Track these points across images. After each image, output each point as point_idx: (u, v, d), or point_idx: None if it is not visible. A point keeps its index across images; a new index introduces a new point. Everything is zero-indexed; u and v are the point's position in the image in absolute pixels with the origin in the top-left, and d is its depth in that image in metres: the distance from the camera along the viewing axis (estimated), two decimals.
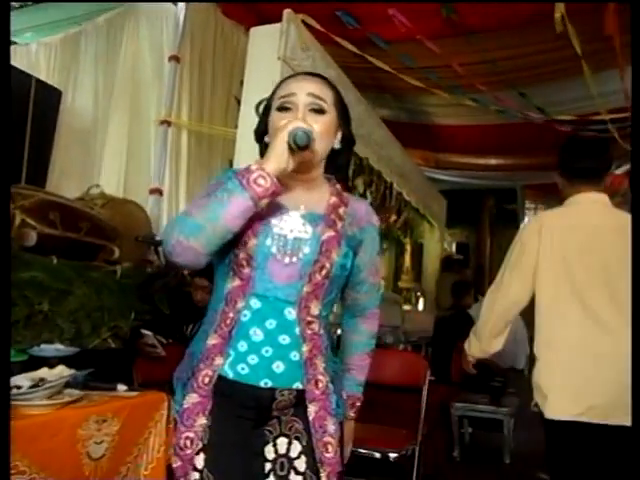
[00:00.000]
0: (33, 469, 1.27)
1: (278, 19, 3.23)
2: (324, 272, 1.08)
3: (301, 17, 3.37)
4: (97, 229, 2.28)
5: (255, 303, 1.06)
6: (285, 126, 1.00)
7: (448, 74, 3.92)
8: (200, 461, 1.04)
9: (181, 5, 3.40)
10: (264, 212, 1.06)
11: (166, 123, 3.29)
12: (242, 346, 1.05)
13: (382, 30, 3.65)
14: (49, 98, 3.59)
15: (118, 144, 3.56)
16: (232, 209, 0.97)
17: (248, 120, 3.26)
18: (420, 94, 4.69)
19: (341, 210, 1.15)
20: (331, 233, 1.10)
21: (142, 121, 3.52)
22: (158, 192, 3.18)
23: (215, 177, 1.18)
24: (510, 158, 6.39)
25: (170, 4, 3.48)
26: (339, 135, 1.16)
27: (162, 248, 1.04)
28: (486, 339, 1.79)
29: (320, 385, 1.08)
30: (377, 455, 2.19)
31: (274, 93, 1.15)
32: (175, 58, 3.33)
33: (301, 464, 1.07)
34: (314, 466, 1.06)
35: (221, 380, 1.05)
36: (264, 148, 1.15)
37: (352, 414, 1.25)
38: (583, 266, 1.62)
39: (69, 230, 2.10)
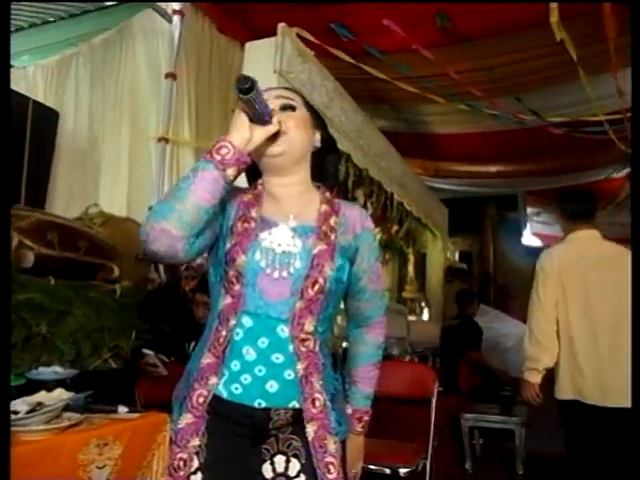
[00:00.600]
0: None
1: (273, 33, 3.24)
2: (317, 287, 1.05)
3: (296, 30, 3.38)
4: (96, 248, 2.25)
5: (247, 321, 1.05)
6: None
7: (445, 82, 3.92)
8: None
9: (176, 22, 3.41)
10: (253, 227, 1.07)
11: (164, 140, 3.28)
12: (235, 365, 1.04)
13: (377, 41, 3.66)
14: (46, 119, 3.59)
15: (118, 162, 3.56)
16: (199, 182, 0.97)
17: None
18: (417, 103, 4.69)
19: (332, 220, 1.12)
20: (323, 246, 1.08)
21: (142, 139, 3.52)
22: None
23: None
24: (510, 165, 6.38)
25: (164, 22, 3.49)
26: (317, 135, 1.17)
27: (142, 240, 1.01)
28: (552, 346, 2.21)
29: (317, 404, 1.05)
30: (387, 471, 2.14)
31: None
32: (172, 75, 3.33)
33: None
34: None
35: (216, 399, 1.05)
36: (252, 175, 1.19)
37: (360, 429, 1.21)
38: (586, 285, 2.21)
39: (67, 250, 2.08)
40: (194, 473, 1.03)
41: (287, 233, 1.08)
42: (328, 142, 1.20)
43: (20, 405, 1.33)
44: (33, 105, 3.44)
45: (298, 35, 3.40)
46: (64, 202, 3.78)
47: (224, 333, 1.05)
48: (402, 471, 2.12)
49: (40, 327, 1.66)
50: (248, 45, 3.44)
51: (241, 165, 1.00)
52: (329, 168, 1.22)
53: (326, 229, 1.10)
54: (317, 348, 1.07)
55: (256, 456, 1.06)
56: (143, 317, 2.15)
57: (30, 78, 4.27)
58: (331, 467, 1.03)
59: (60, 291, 1.80)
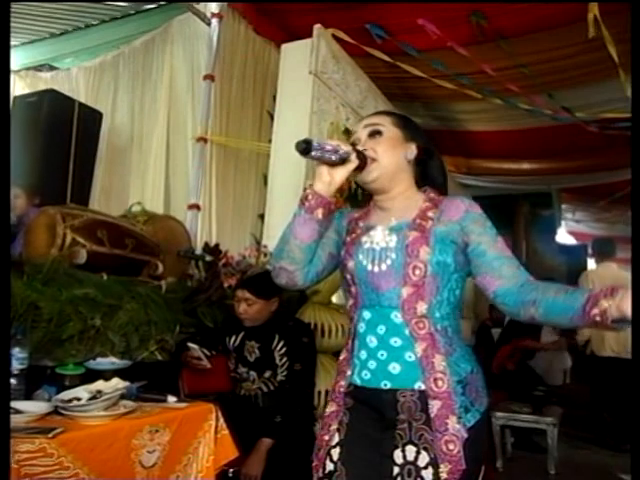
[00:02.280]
0: (92, 476, 1.33)
1: (308, 34, 3.30)
2: (418, 272, 1.13)
3: (331, 31, 3.43)
4: (141, 245, 2.36)
5: (366, 314, 1.18)
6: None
7: (481, 79, 3.91)
8: (336, 454, 1.16)
9: (214, 25, 3.50)
10: (355, 236, 1.23)
11: (202, 140, 3.37)
12: (363, 354, 1.17)
13: (412, 39, 3.67)
14: (91, 120, 3.73)
15: (158, 162, 3.67)
16: (296, 226, 1.17)
17: (282, 134, 3.33)
18: (449, 101, 4.68)
19: (430, 212, 1.19)
20: (416, 234, 1.16)
21: (180, 139, 3.63)
22: (196, 207, 3.26)
23: None
24: (543, 162, 6.28)
25: (203, 24, 3.58)
26: (413, 147, 1.25)
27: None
28: None
29: (440, 383, 1.09)
30: None
31: None
32: (210, 77, 3.42)
33: (428, 475, 1.05)
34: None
35: (353, 388, 1.19)
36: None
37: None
38: None
39: (116, 247, 2.19)
40: (334, 447, 1.17)
41: (384, 232, 1.20)
42: (427, 150, 1.27)
43: (82, 392, 1.43)
44: (79, 107, 3.58)
45: (333, 35, 3.45)
46: (104, 200, 3.93)
47: (352, 329, 1.21)
48: None
49: (95, 320, 1.77)
50: (284, 47, 3.51)
51: (326, 206, 1.16)
52: (433, 172, 1.29)
53: (421, 220, 1.18)
54: (434, 330, 1.13)
55: (389, 440, 1.11)
56: (186, 312, 2.26)
57: (73, 80, 4.44)
58: (450, 445, 1.05)
59: (112, 286, 1.91)
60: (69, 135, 3.47)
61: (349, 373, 1.19)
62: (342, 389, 1.20)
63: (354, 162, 1.15)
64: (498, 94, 4.07)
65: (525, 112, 4.34)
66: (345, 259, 1.22)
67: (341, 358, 1.23)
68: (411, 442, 1.09)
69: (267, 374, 2.15)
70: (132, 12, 4.09)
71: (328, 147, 1.12)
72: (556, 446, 3.36)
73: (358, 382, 1.17)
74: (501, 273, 1.14)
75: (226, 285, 2.52)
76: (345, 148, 1.14)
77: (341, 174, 1.15)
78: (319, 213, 1.15)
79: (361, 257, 1.19)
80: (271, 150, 3.36)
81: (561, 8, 3.17)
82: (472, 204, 1.20)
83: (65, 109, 3.50)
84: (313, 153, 1.09)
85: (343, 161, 1.14)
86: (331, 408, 1.21)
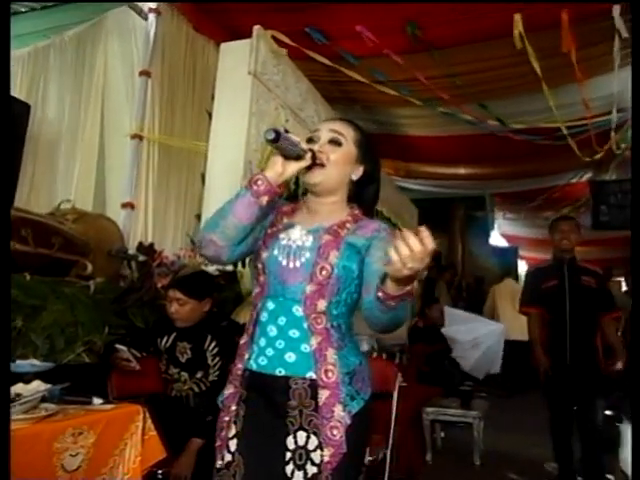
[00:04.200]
0: None
1: (248, 35, 3.30)
2: (324, 272, 1.22)
3: (271, 33, 3.44)
4: (69, 244, 2.30)
5: (270, 305, 1.25)
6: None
7: (416, 87, 4.05)
8: (233, 445, 1.24)
9: (152, 19, 3.43)
10: (276, 229, 1.28)
11: (137, 137, 3.30)
12: (262, 342, 1.24)
13: (351, 46, 3.75)
14: (18, 112, 3.54)
15: (89, 158, 3.56)
16: (238, 205, 1.20)
17: (220, 133, 3.32)
18: (389, 106, 4.81)
19: (348, 224, 1.29)
20: (329, 238, 1.25)
21: (115, 135, 3.53)
22: (130, 206, 3.19)
23: None
24: (478, 167, 6.56)
25: (140, 19, 3.50)
26: (360, 169, 1.33)
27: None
28: None
29: (330, 375, 1.20)
30: None
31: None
32: (146, 73, 3.35)
33: (317, 457, 1.18)
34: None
35: (248, 372, 1.25)
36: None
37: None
38: None
39: (41, 246, 2.12)
40: (231, 438, 1.24)
41: (301, 232, 1.27)
42: (370, 176, 1.35)
43: None
44: None
45: (273, 37, 3.47)
46: (33, 197, 3.77)
47: (254, 316, 1.27)
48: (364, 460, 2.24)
49: (16, 322, 1.71)
50: (223, 46, 3.49)
51: (272, 194, 1.20)
52: (367, 195, 1.38)
53: (337, 228, 1.28)
54: (330, 326, 1.23)
55: (281, 428, 1.21)
56: (116, 313, 2.21)
57: None
58: (335, 431, 1.17)
59: (35, 287, 1.85)
60: None
61: (246, 357, 1.26)
62: (239, 372, 1.27)
63: (307, 161, 1.23)
64: (434, 102, 4.23)
65: (459, 119, 4.54)
66: (260, 249, 1.29)
67: (242, 342, 1.29)
68: (302, 428, 1.20)
69: (199, 374, 2.14)
70: (65, 1, 3.94)
71: (292, 140, 1.19)
72: (482, 438, 3.54)
73: (254, 367, 1.24)
74: (372, 286, 1.13)
75: (159, 285, 2.49)
76: (304, 146, 1.22)
77: (293, 168, 1.22)
78: (264, 200, 1.19)
79: (276, 252, 1.26)
80: (209, 150, 3.34)
81: (492, 21, 3.34)
82: (387, 229, 1.29)
83: None
84: (280, 142, 1.16)
85: (298, 157, 1.21)
86: (229, 390, 1.28)
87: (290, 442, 1.20)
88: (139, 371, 2.02)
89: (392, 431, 2.32)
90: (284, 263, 1.24)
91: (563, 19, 3.11)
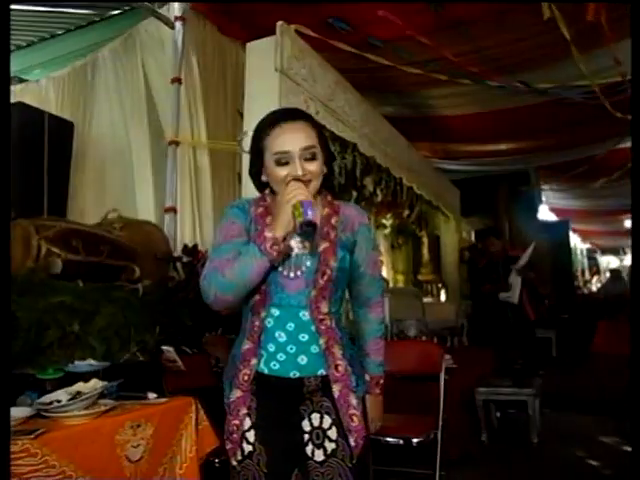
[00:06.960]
0: (79, 473, 1.40)
1: (272, 31, 3.34)
2: (326, 277, 1.28)
3: (294, 27, 3.47)
4: (117, 251, 2.42)
5: (275, 312, 1.29)
6: (289, 200, 1.19)
7: (445, 65, 3.99)
8: (251, 436, 1.28)
9: (178, 27, 3.53)
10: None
11: (174, 143, 3.42)
12: (271, 347, 1.28)
13: (375, 31, 3.73)
14: (62, 130, 3.74)
15: (143, 168, 3.69)
16: (255, 270, 1.21)
17: (251, 132, 3.38)
18: (421, 88, 4.75)
19: (333, 220, 1.34)
20: (326, 244, 1.30)
21: (160, 143, 3.64)
22: (173, 210, 3.31)
23: (224, 216, 1.35)
24: (518, 142, 6.39)
25: (167, 29, 3.61)
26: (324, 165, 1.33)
27: (204, 299, 1.26)
28: None
29: (340, 369, 1.29)
30: (400, 442, 2.28)
31: (264, 140, 1.29)
32: (177, 80, 3.46)
33: (333, 433, 1.27)
34: (343, 434, 1.27)
35: (259, 376, 1.29)
36: (259, 185, 1.37)
37: (378, 391, 1.45)
38: None
39: (91, 254, 2.24)
40: (248, 430, 1.28)
41: (297, 239, 1.29)
42: (329, 161, 1.37)
43: (62, 395, 1.49)
44: (49, 118, 3.60)
45: (297, 31, 3.50)
46: (85, 209, 3.96)
47: (257, 323, 1.29)
48: (414, 441, 2.27)
49: (73, 326, 1.83)
50: (249, 45, 3.54)
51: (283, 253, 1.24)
52: (330, 178, 1.39)
53: (328, 229, 1.32)
54: (334, 325, 1.31)
55: (296, 414, 1.29)
56: (165, 313, 2.32)
57: (43, 90, 4.45)
58: (354, 418, 1.27)
59: (89, 293, 1.97)
60: (41, 147, 3.50)
61: (254, 362, 1.28)
62: (247, 377, 1.28)
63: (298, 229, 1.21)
64: (464, 75, 4.15)
65: (495, 94, 4.43)
66: None
67: (245, 348, 1.29)
68: (314, 411, 1.28)
69: None
70: (97, 19, 4.10)
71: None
72: (538, 416, 3.48)
73: (266, 371, 1.29)
74: (365, 290, 1.42)
75: None
76: (314, 212, 1.20)
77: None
78: (277, 261, 1.23)
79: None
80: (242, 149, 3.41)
81: None
82: (364, 215, 1.40)
83: (34, 121, 3.52)
84: (309, 230, 1.19)
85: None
86: (236, 394, 1.29)
87: (306, 424, 1.28)
88: (188, 369, 2.12)
89: (441, 412, 2.33)
90: (285, 273, 1.27)
91: None
